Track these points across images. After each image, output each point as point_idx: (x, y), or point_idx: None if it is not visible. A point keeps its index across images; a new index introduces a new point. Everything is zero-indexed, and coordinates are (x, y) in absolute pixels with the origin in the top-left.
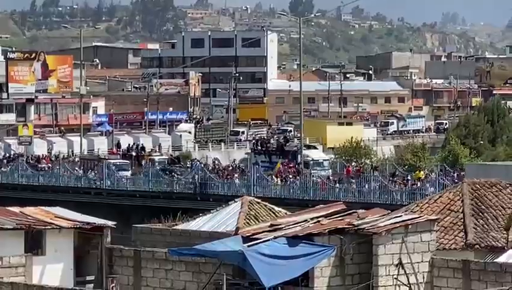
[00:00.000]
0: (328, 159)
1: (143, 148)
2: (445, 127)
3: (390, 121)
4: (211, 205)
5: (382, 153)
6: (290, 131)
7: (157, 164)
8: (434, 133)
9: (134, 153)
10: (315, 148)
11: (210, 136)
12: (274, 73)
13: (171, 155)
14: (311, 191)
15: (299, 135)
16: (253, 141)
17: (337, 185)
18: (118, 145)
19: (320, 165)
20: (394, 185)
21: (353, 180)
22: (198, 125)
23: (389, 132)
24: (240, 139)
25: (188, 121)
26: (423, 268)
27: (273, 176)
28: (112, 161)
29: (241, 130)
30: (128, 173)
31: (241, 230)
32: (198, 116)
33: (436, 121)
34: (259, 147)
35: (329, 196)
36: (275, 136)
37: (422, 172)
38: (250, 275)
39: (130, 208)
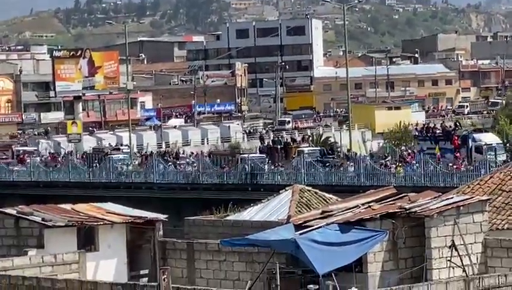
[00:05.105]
0: (501, 143)
1: (294, 140)
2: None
3: None
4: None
5: None
6: (288, 122)
7: (307, 155)
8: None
9: (281, 145)
10: (486, 131)
11: None
12: (320, 60)
13: (322, 146)
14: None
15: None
16: (415, 127)
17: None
18: (261, 138)
19: (494, 150)
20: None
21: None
22: (189, 120)
23: None
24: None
25: (179, 116)
26: (476, 249)
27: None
28: (248, 156)
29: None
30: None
31: (293, 218)
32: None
33: (458, 104)
34: (425, 133)
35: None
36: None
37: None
38: (304, 263)
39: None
